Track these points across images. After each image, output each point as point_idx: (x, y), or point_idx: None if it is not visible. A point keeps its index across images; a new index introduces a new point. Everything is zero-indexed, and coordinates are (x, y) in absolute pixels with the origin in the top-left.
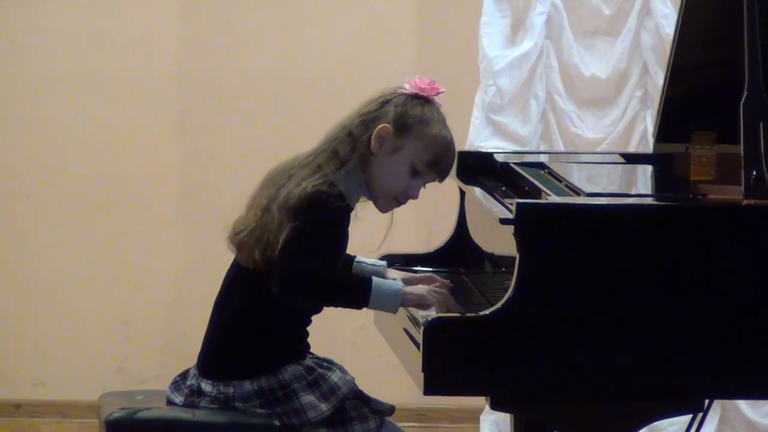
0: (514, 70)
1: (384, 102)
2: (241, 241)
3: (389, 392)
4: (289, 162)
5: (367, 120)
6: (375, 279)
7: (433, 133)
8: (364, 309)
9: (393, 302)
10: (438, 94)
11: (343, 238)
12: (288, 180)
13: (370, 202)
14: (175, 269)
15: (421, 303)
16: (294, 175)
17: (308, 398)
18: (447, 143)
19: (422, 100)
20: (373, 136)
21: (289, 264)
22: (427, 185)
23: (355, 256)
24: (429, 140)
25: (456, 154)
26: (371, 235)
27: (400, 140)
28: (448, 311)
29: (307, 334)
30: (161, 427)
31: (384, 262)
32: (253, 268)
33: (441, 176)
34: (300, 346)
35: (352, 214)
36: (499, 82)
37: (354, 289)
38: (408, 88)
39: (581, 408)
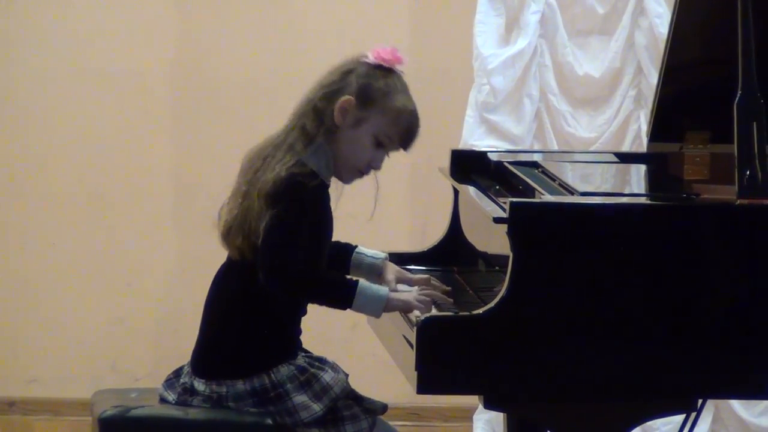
0: (508, 69)
1: (346, 72)
2: (226, 229)
3: (382, 391)
4: (263, 143)
5: (331, 92)
6: (361, 282)
7: (397, 105)
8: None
9: (377, 308)
10: (401, 63)
11: (325, 216)
12: (263, 162)
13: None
14: (169, 267)
15: (406, 309)
16: (268, 156)
17: (301, 398)
18: (410, 114)
19: (385, 70)
20: (335, 109)
21: (273, 257)
22: (421, 183)
23: (356, 246)
24: (393, 112)
25: (419, 123)
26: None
27: (364, 112)
28: (441, 310)
29: (299, 332)
30: (154, 425)
31: (384, 255)
32: (240, 257)
33: (405, 146)
34: (292, 345)
35: (332, 190)
36: (493, 81)
37: (339, 290)
38: (370, 58)
39: (574, 407)
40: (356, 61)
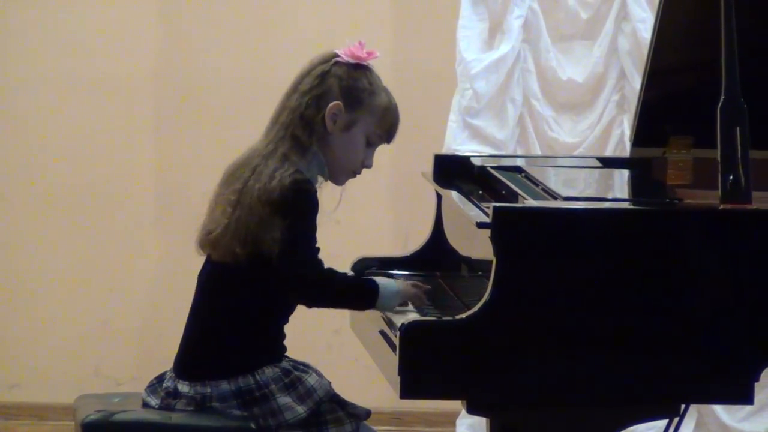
0: (491, 74)
1: (323, 75)
2: (215, 239)
3: (365, 396)
4: (247, 155)
5: (314, 98)
6: (378, 280)
7: (383, 103)
8: (340, 311)
9: (393, 301)
10: (374, 57)
11: (315, 222)
12: (253, 173)
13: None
14: (152, 271)
15: (408, 299)
16: (259, 166)
17: (285, 399)
18: (394, 108)
19: (362, 69)
20: (326, 116)
21: (305, 269)
22: (404, 188)
23: None
24: (380, 110)
25: (399, 115)
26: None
27: (353, 115)
28: (424, 315)
29: (284, 335)
30: (137, 430)
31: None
32: (233, 261)
33: (389, 140)
34: (277, 346)
35: (324, 196)
36: (476, 86)
37: (364, 292)
38: (344, 57)
39: (556, 412)
40: (329, 62)
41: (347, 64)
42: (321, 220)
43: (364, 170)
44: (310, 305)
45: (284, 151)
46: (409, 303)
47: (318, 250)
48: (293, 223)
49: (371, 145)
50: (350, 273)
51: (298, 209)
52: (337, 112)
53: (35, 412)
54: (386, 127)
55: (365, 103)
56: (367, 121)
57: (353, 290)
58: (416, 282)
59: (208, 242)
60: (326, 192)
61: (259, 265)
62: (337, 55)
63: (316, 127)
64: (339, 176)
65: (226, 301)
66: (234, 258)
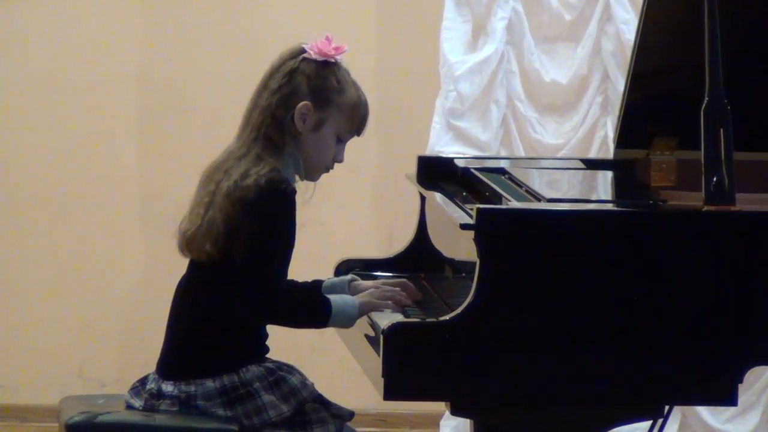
0: (475, 76)
1: (291, 72)
2: (189, 238)
3: (349, 397)
4: (222, 157)
5: (283, 97)
6: (332, 299)
7: (352, 100)
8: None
9: (350, 319)
10: (342, 52)
11: (294, 224)
12: (224, 174)
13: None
14: (135, 273)
15: (374, 310)
16: (231, 167)
17: (269, 398)
18: (364, 103)
19: (330, 66)
20: (294, 116)
21: (253, 290)
22: (388, 189)
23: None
24: (349, 107)
25: (368, 108)
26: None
27: (322, 113)
28: (406, 316)
29: (266, 335)
30: (121, 431)
31: (348, 276)
32: (207, 259)
33: (359, 133)
34: (260, 344)
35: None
36: (460, 88)
37: (315, 313)
38: (312, 54)
39: (541, 414)
40: (296, 59)
41: (315, 62)
42: (304, 221)
43: (349, 173)
44: (250, 320)
45: (258, 151)
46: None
47: (283, 260)
48: (259, 230)
49: (342, 140)
50: (331, 277)
51: (270, 212)
52: (306, 112)
53: (19, 413)
54: (356, 123)
55: (334, 101)
56: (337, 119)
57: (299, 314)
58: (386, 284)
59: (184, 242)
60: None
61: (232, 264)
62: (305, 51)
63: (287, 127)
64: (312, 174)
65: (206, 300)
66: (207, 256)
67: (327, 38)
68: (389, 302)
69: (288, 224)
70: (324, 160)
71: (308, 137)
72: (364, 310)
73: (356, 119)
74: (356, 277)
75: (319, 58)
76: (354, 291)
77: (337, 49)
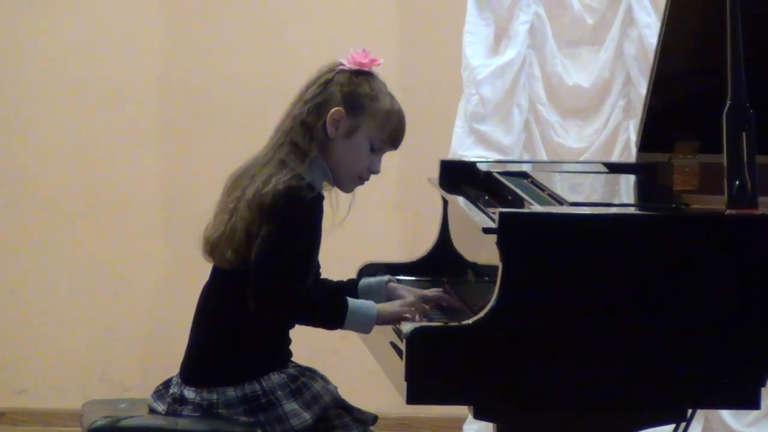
0: (497, 79)
1: (326, 83)
2: (212, 244)
3: (372, 401)
4: (248, 164)
5: (316, 105)
6: (351, 302)
7: (385, 107)
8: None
9: (367, 325)
10: (378, 64)
11: (318, 229)
12: (251, 180)
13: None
14: (158, 276)
15: (396, 321)
16: (256, 174)
17: (291, 406)
18: (398, 113)
19: (365, 75)
20: (327, 122)
21: (265, 281)
22: (411, 193)
23: (359, 281)
24: (382, 115)
25: (405, 120)
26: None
27: (355, 120)
28: (429, 320)
29: (289, 341)
30: None
31: (385, 277)
32: (229, 267)
33: (396, 145)
34: (283, 352)
35: (326, 203)
36: (482, 91)
37: (329, 312)
38: (347, 64)
39: (564, 417)
40: (333, 71)
41: (350, 71)
42: (326, 225)
43: (372, 177)
44: (265, 319)
45: (281, 156)
46: (415, 316)
47: (303, 264)
48: (275, 231)
49: (376, 150)
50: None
51: (285, 216)
52: (338, 118)
53: (42, 418)
54: (390, 131)
55: (367, 108)
56: (370, 126)
57: (313, 313)
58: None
59: (208, 248)
60: (339, 200)
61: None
62: (341, 64)
63: (317, 133)
64: (344, 182)
65: (230, 307)
66: (228, 263)
67: (363, 50)
68: (409, 315)
69: (306, 229)
70: (356, 168)
71: (339, 143)
72: (385, 320)
73: (390, 127)
74: (393, 278)
75: (354, 68)
76: (389, 292)
77: (372, 60)
